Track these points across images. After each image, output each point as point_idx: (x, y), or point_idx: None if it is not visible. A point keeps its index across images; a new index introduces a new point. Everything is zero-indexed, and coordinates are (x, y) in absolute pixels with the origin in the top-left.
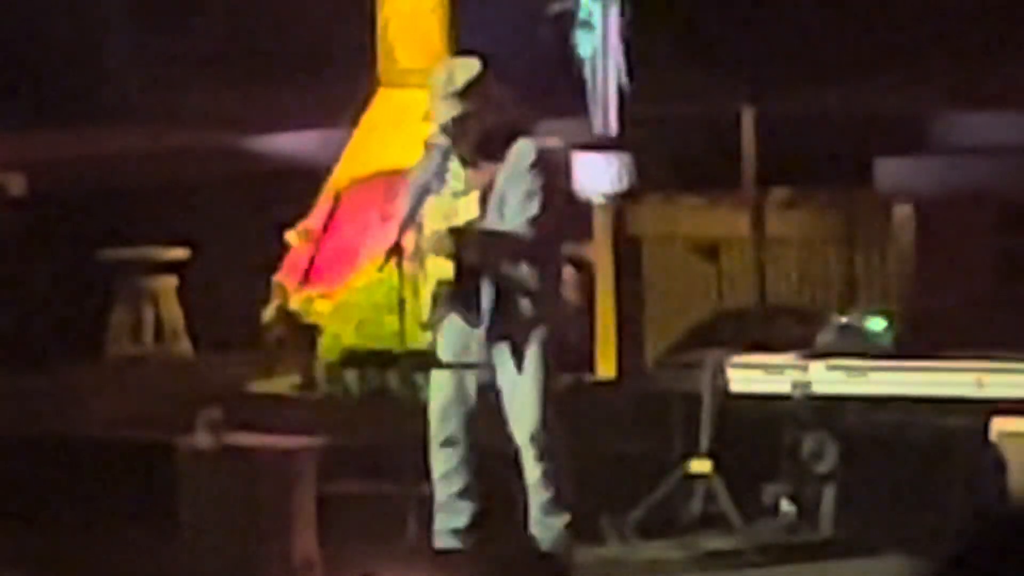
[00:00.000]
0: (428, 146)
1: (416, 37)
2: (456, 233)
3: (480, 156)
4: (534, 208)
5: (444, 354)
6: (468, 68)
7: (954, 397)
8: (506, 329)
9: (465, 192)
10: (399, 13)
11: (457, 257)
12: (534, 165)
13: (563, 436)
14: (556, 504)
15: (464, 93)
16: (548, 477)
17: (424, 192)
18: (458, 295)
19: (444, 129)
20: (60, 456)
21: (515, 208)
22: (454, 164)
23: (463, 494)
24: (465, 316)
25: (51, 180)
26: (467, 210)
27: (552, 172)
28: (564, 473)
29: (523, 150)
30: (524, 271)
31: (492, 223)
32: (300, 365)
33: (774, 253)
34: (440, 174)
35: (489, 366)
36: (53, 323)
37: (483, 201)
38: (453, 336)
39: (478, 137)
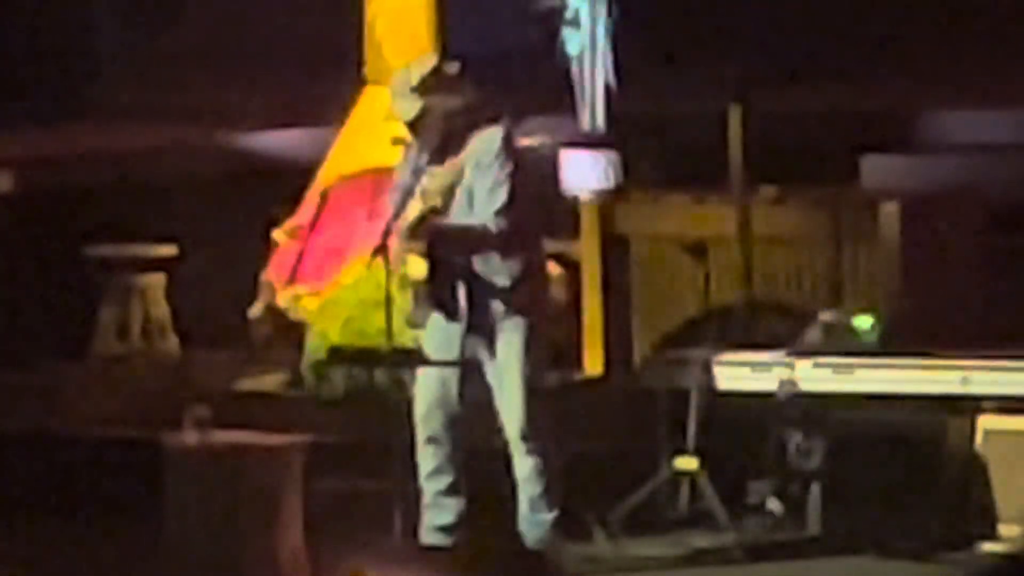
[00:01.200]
0: (399, 144)
1: (403, 35)
2: (416, 226)
3: (446, 151)
4: (500, 199)
5: (429, 351)
6: (422, 64)
7: (940, 394)
8: (485, 322)
9: (431, 195)
10: (386, 11)
11: (430, 255)
12: (499, 155)
13: (553, 433)
14: (544, 501)
15: (420, 88)
16: (537, 474)
17: (407, 194)
18: (435, 293)
19: (410, 126)
20: (47, 453)
21: (482, 199)
22: (424, 161)
23: (449, 491)
24: (445, 312)
25: (38, 177)
26: (414, 203)
27: (531, 165)
28: (554, 470)
29: (487, 139)
30: (497, 265)
31: (461, 216)
32: (287, 363)
33: (761, 251)
34: (416, 172)
35: (476, 362)
36: (40, 320)
37: (450, 197)
38: (436, 333)
39: (442, 131)
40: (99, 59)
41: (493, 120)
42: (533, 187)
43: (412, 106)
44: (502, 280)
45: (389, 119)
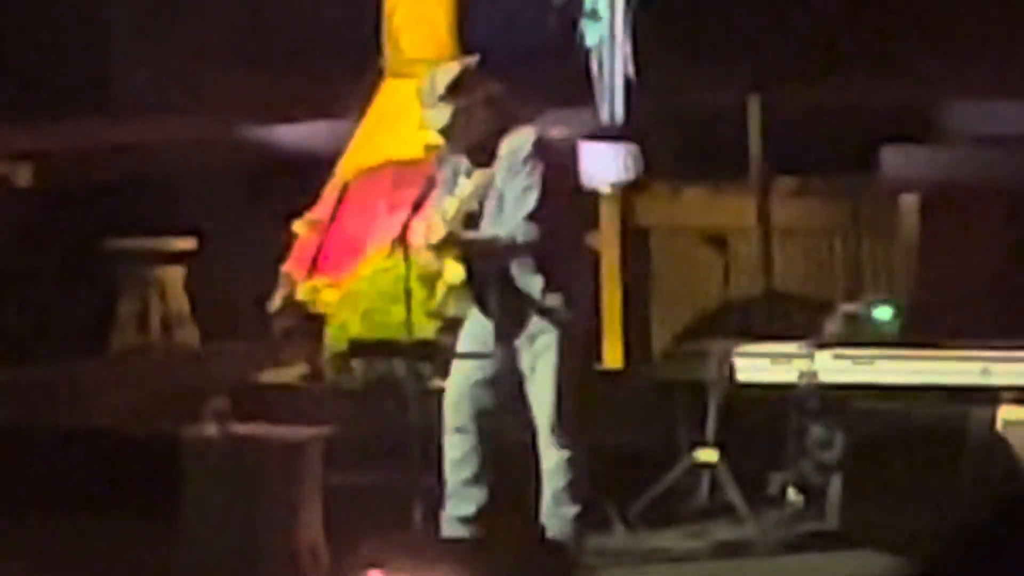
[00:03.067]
0: (433, 151)
1: (422, 27)
2: (448, 237)
3: (479, 153)
4: (530, 203)
5: (465, 343)
6: (448, 72)
7: (960, 385)
8: (521, 322)
9: (465, 200)
10: (405, 3)
11: (466, 260)
12: (530, 157)
13: (581, 427)
14: (569, 494)
15: (448, 97)
16: (564, 467)
17: (437, 183)
18: (473, 295)
19: (441, 133)
20: (66, 447)
21: (512, 204)
22: (462, 165)
23: (473, 481)
24: (482, 310)
25: (57, 170)
26: (433, 232)
27: (559, 161)
28: (580, 464)
29: (517, 143)
30: (531, 266)
31: (491, 223)
32: (307, 355)
33: (781, 242)
34: (455, 172)
35: (510, 356)
36: (60, 314)
37: (483, 202)
38: (475, 326)
39: (472, 136)
40: (119, 53)
41: (519, 122)
42: (565, 183)
43: (443, 114)
44: (535, 283)
45: (422, 127)
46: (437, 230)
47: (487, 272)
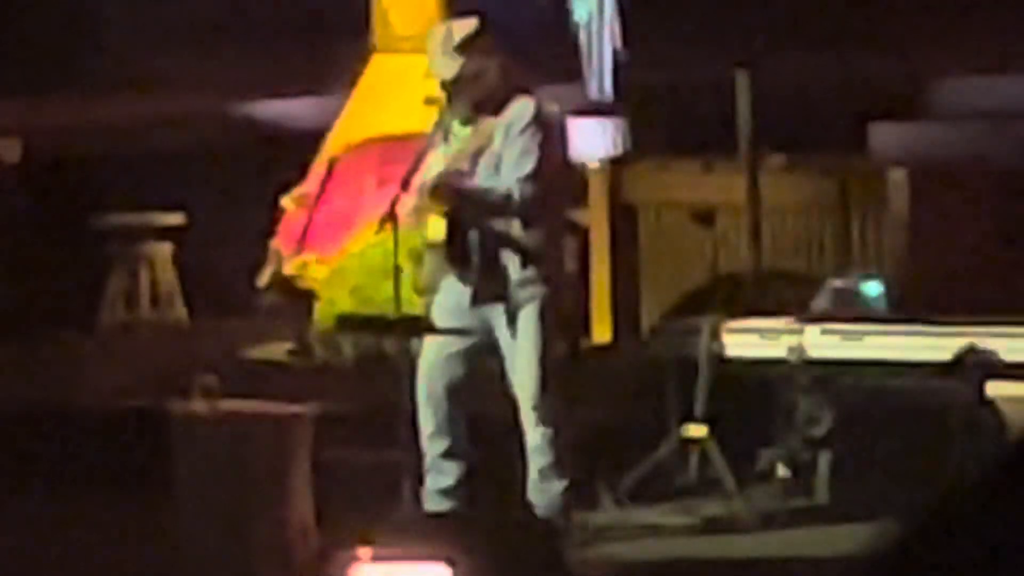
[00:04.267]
0: (431, 104)
1: (411, 2)
2: (436, 189)
3: (479, 114)
4: (528, 166)
5: (439, 315)
6: (466, 24)
7: (949, 361)
8: (500, 289)
9: (457, 156)
10: None
11: (450, 216)
12: (530, 124)
13: (564, 403)
14: (555, 471)
15: (461, 50)
16: (548, 444)
17: (426, 149)
18: (452, 255)
19: (446, 85)
20: (54, 423)
21: (509, 166)
22: (456, 123)
23: (449, 455)
24: (460, 275)
25: (46, 146)
26: (430, 166)
27: (550, 136)
28: (564, 440)
29: (521, 109)
30: (518, 231)
31: (487, 180)
32: (295, 331)
33: (769, 218)
34: (444, 133)
35: (486, 330)
36: (48, 290)
37: (476, 160)
38: (449, 297)
39: (477, 95)
40: (107, 28)
41: (524, 91)
42: (555, 157)
43: (452, 64)
44: (521, 249)
45: (427, 76)
46: (433, 169)
47: (470, 230)
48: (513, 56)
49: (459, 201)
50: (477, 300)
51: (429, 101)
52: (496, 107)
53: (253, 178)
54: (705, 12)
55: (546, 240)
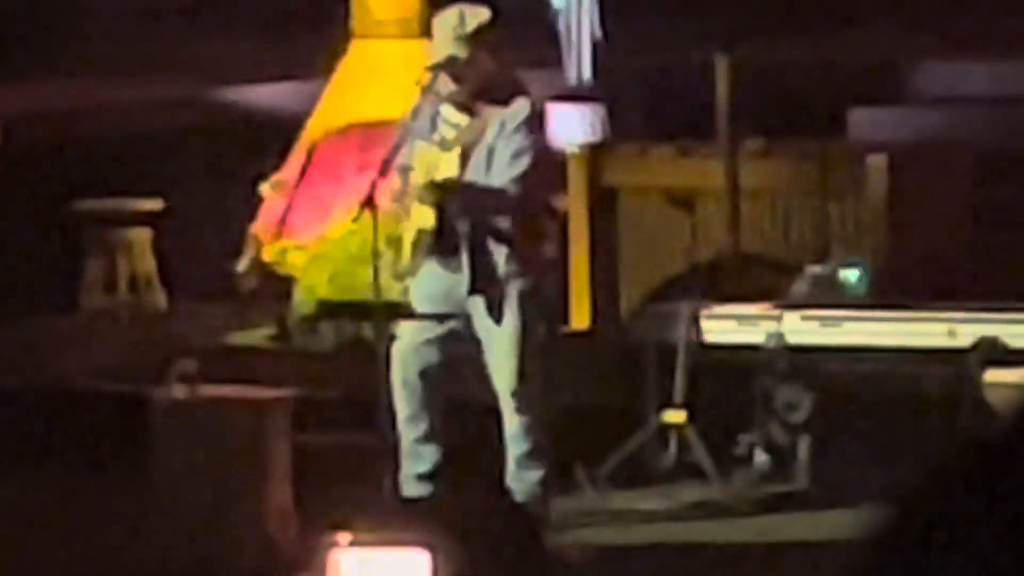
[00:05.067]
0: (423, 88)
1: None
2: (437, 187)
3: (478, 102)
4: (521, 166)
5: (416, 300)
6: (479, 13)
7: (928, 347)
8: (484, 280)
9: (451, 146)
10: None
11: (440, 207)
12: (525, 124)
13: (542, 389)
14: (533, 457)
15: (471, 37)
16: (526, 430)
17: (408, 134)
18: (438, 243)
19: (443, 68)
20: (33, 407)
21: (502, 165)
22: (446, 109)
23: (425, 439)
24: (444, 263)
25: (24, 131)
26: (448, 167)
27: (538, 132)
28: (542, 427)
29: (519, 108)
30: (506, 226)
31: (478, 177)
32: (274, 317)
33: (748, 204)
34: (432, 118)
35: (465, 316)
36: (26, 274)
37: (467, 155)
38: (428, 283)
39: (478, 83)
40: (86, 12)
41: (523, 91)
42: (547, 155)
43: (461, 50)
44: (507, 240)
45: (428, 58)
46: (449, 167)
47: (461, 221)
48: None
49: (460, 198)
50: (471, 293)
51: (428, 71)
52: (493, 100)
53: (232, 164)
54: None
55: (529, 230)
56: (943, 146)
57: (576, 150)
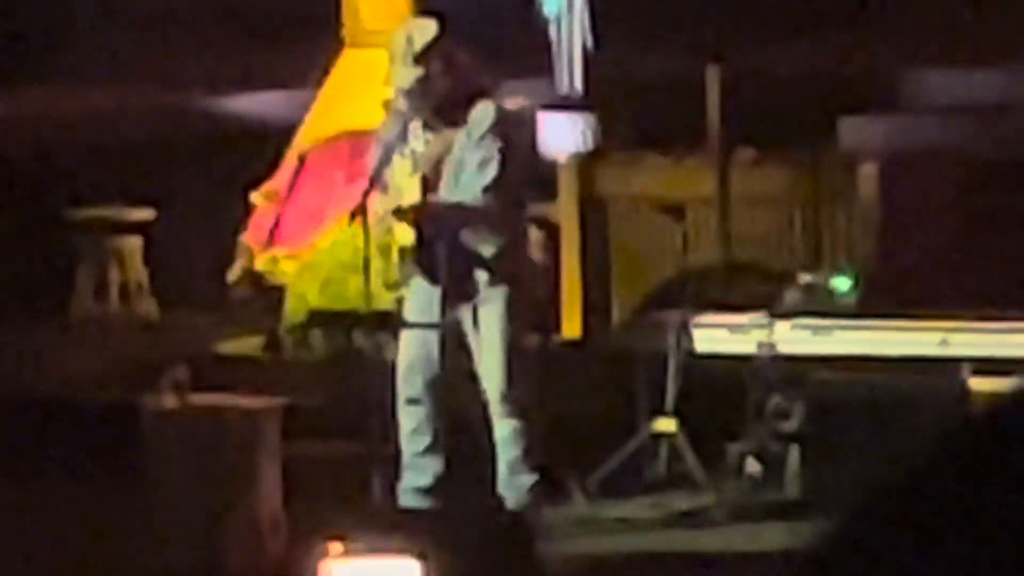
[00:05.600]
0: (390, 109)
1: None
2: (403, 212)
3: (441, 120)
4: (489, 176)
5: (411, 314)
6: (425, 31)
7: (920, 356)
8: (468, 289)
9: (419, 166)
10: None
11: (418, 226)
12: (491, 130)
13: (532, 396)
14: (524, 464)
15: (422, 56)
16: (517, 437)
17: (389, 151)
18: (421, 258)
19: (405, 93)
20: (23, 416)
21: (471, 175)
22: (415, 126)
23: (428, 452)
24: (428, 276)
25: (15, 139)
26: (411, 192)
27: (515, 133)
28: (533, 433)
29: (482, 114)
30: (484, 235)
31: (448, 189)
32: (265, 325)
33: (739, 212)
34: (403, 136)
35: (455, 325)
36: (17, 283)
37: (438, 168)
38: (419, 295)
39: (438, 100)
40: (76, 21)
41: (486, 94)
42: (519, 153)
43: (411, 73)
44: (487, 249)
45: (385, 82)
46: (412, 194)
47: (437, 237)
48: (476, 54)
49: (435, 219)
50: (446, 305)
51: (387, 105)
52: (456, 111)
53: (223, 172)
54: (674, 6)
55: (511, 236)
56: (934, 154)
57: (567, 159)
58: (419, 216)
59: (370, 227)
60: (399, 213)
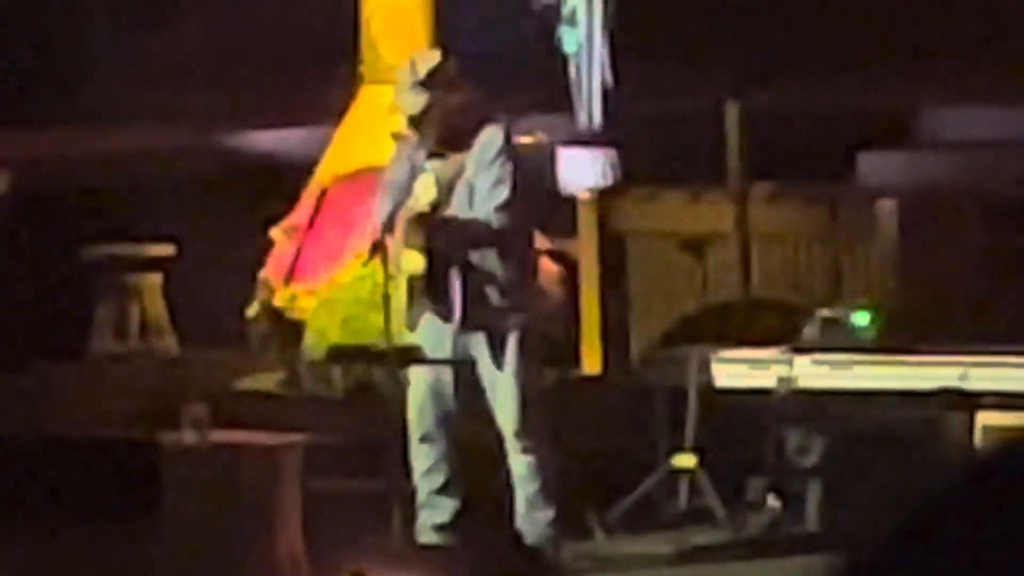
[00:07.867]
0: (398, 140)
1: (400, 33)
2: (420, 218)
3: (447, 147)
4: (502, 196)
5: (423, 349)
6: (429, 58)
7: (938, 390)
8: (479, 321)
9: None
10: (382, 8)
11: (427, 249)
12: (501, 153)
13: (549, 431)
14: (542, 499)
15: (427, 83)
16: (534, 472)
17: (402, 190)
18: (430, 289)
19: (412, 120)
20: (44, 454)
21: (483, 196)
22: (423, 158)
23: (444, 490)
24: (438, 311)
25: (35, 177)
26: (425, 192)
27: (527, 160)
28: (550, 468)
29: (490, 138)
30: (494, 262)
31: (461, 212)
32: (285, 362)
33: (758, 248)
34: (413, 169)
35: (469, 361)
36: (37, 320)
37: (451, 190)
38: (430, 332)
39: (444, 127)
40: (96, 60)
41: (492, 120)
42: (530, 186)
43: (417, 100)
44: (497, 279)
45: (392, 111)
46: (427, 192)
47: (448, 258)
48: (486, 92)
49: (439, 233)
50: (460, 332)
51: (395, 137)
52: (463, 139)
53: (242, 209)
54: (694, 42)
55: (521, 268)
56: (952, 191)
57: (587, 195)
58: (430, 228)
59: (389, 263)
60: (415, 220)
